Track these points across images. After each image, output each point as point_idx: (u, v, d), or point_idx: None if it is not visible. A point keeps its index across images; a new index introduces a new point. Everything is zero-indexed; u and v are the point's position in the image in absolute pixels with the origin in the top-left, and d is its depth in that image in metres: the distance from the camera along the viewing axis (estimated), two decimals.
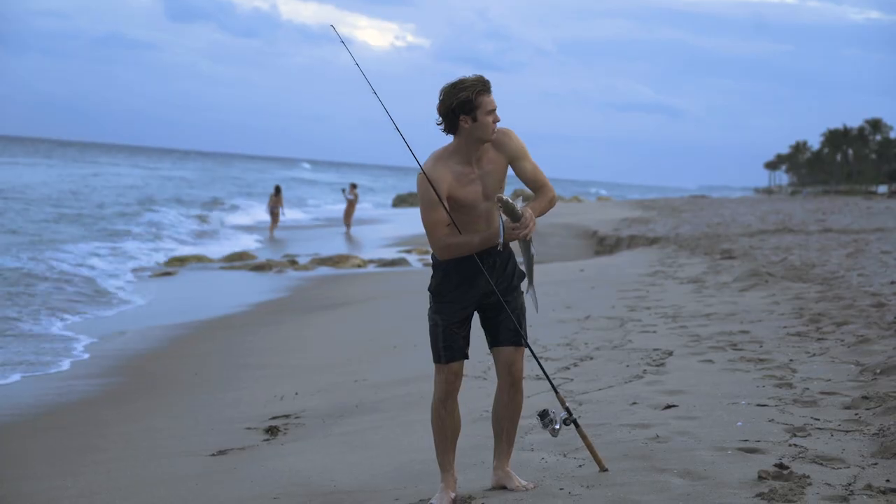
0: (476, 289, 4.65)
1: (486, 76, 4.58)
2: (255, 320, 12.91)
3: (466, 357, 4.68)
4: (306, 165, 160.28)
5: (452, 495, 4.64)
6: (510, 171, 4.72)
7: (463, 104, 4.51)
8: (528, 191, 4.69)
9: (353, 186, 33.35)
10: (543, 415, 4.74)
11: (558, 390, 4.84)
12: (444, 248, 4.59)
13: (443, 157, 4.62)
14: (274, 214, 30.48)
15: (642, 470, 4.70)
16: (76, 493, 5.72)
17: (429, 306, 4.73)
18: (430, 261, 4.82)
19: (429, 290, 4.73)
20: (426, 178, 4.55)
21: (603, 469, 4.74)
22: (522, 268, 4.79)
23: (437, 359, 4.67)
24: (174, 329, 12.10)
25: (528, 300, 4.78)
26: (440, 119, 4.59)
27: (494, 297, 4.66)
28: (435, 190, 4.53)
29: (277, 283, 17.11)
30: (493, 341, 4.74)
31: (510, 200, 4.49)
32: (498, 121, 4.58)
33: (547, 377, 4.82)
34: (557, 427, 4.73)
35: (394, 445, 6.00)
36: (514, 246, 4.83)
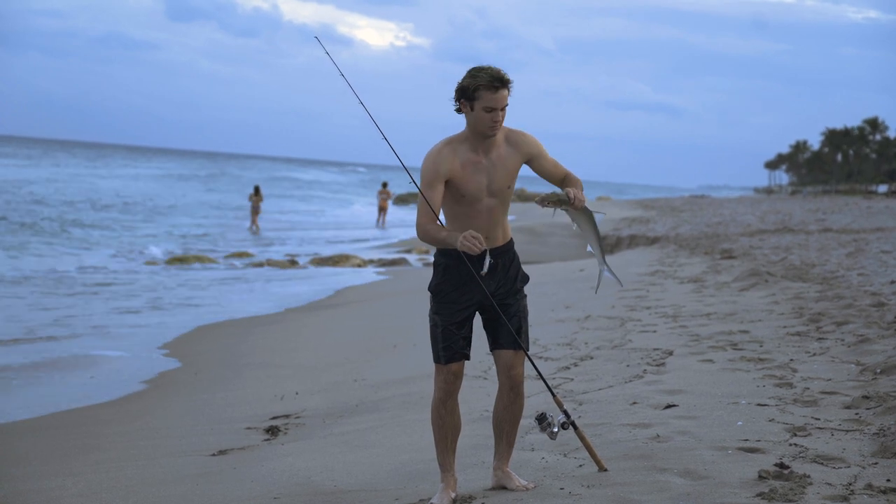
0: (476, 289, 4.63)
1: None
2: (255, 320, 12.91)
3: (467, 358, 4.65)
4: (362, 169, 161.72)
5: (452, 495, 4.63)
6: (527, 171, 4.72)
7: (464, 89, 4.52)
8: (558, 190, 4.67)
9: (384, 185, 35.07)
10: (541, 419, 4.72)
11: (556, 393, 4.81)
12: (421, 226, 4.58)
13: (453, 142, 4.60)
14: (255, 210, 33.37)
15: (642, 469, 4.70)
16: (76, 493, 5.70)
17: (429, 306, 4.73)
18: (430, 260, 4.82)
19: (429, 289, 4.71)
20: (428, 157, 4.55)
21: (602, 469, 4.73)
22: (524, 269, 4.77)
23: (437, 359, 4.65)
24: (174, 328, 12.09)
25: (610, 277, 4.86)
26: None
27: (496, 297, 4.65)
28: (422, 177, 4.55)
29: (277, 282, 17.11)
30: (494, 344, 4.72)
31: (547, 195, 4.55)
32: (498, 120, 4.50)
33: (545, 381, 4.80)
34: (556, 430, 4.71)
35: (394, 445, 5.99)
36: (519, 246, 4.82)
